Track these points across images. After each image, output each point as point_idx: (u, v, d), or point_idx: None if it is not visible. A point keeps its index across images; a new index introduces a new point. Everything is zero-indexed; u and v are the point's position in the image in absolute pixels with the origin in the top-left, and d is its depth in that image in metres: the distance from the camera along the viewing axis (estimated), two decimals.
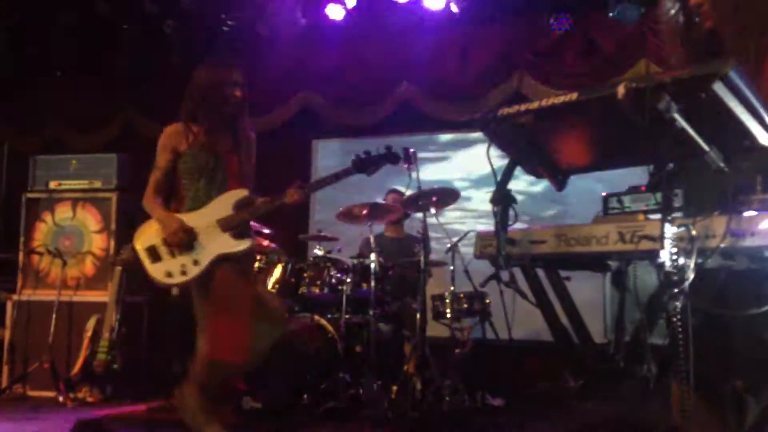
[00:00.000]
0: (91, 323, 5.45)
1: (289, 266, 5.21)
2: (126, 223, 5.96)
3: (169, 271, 3.46)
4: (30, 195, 6.07)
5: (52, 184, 6.07)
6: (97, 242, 5.92)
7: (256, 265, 5.24)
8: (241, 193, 3.50)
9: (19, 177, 6.43)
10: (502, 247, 2.13)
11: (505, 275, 2.18)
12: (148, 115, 7.11)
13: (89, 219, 5.95)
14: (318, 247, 5.43)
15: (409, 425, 4.36)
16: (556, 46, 5.95)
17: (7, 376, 5.60)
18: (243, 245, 3.46)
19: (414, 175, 4.98)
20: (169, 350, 5.89)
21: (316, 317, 5.06)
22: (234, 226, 3.45)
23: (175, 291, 4.83)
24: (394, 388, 4.74)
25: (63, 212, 6.00)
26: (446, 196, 5.22)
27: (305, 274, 5.20)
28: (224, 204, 3.47)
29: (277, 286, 5.13)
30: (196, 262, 3.43)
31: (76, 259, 5.89)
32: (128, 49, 6.91)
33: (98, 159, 6.14)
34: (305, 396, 4.64)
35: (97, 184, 6.04)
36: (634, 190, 2.57)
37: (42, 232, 5.98)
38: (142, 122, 7.12)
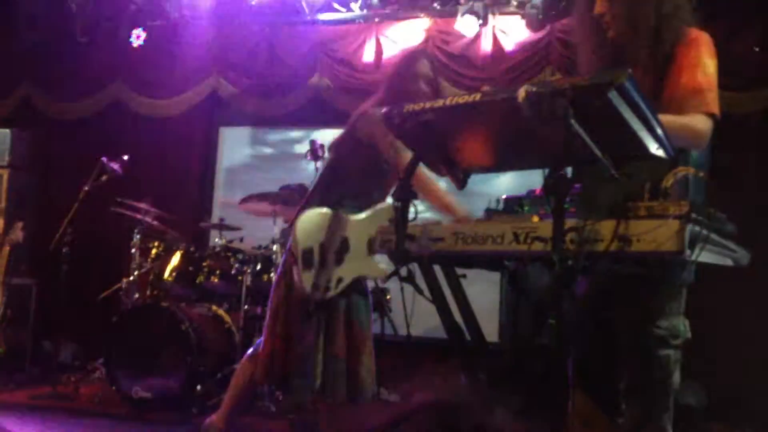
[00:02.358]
0: None
1: (189, 254, 5.10)
2: (17, 201, 5.70)
3: (316, 282, 3.07)
4: None
5: None
6: None
7: (153, 251, 5.13)
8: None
9: None
10: (401, 243, 2.13)
11: (402, 270, 2.19)
12: (48, 91, 6.83)
13: None
14: (220, 236, 5.34)
15: (303, 419, 4.33)
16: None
17: None
18: (381, 272, 3.17)
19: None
20: (57, 335, 5.68)
21: (214, 308, 4.98)
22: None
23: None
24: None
25: None
26: None
27: (204, 264, 5.10)
28: (380, 219, 3.07)
29: (174, 273, 5.02)
30: (339, 281, 3.12)
31: None
32: (29, 23, 6.62)
33: None
34: (198, 387, 4.55)
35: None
36: (533, 193, 2.64)
37: None
38: (40, 98, 6.82)
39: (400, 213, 2.17)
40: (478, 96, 2.07)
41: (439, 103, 2.16)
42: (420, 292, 2.18)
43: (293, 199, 5.33)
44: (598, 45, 2.46)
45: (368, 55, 6.25)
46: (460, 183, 2.36)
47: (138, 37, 6.48)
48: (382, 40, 6.21)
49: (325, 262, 3.08)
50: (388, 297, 5.06)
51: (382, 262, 3.05)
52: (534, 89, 1.90)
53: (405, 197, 2.19)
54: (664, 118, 1.95)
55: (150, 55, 6.69)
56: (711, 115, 2.24)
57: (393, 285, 4.99)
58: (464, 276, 2.28)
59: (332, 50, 6.39)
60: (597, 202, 2.23)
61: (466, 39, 5.96)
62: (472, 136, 2.29)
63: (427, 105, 2.19)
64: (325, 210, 3.18)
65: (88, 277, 6.13)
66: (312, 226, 3.14)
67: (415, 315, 5.30)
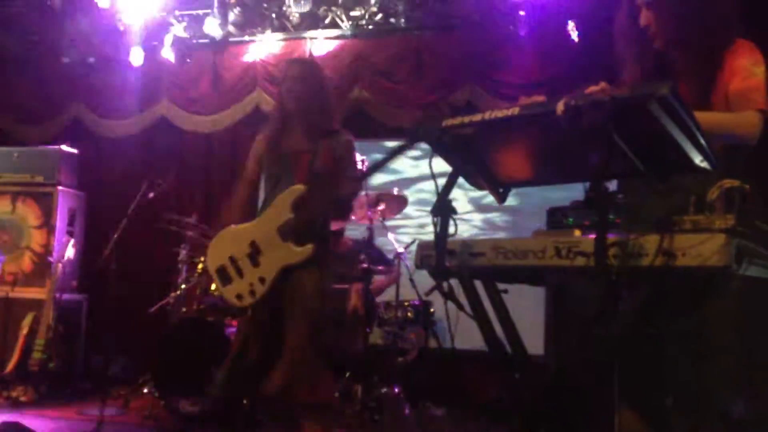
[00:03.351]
0: (27, 321, 5.32)
1: None
2: (67, 218, 5.83)
3: (239, 293, 3.26)
4: None
5: None
6: (37, 238, 5.77)
7: (199, 266, 5.19)
8: (296, 190, 3.22)
9: None
10: (441, 259, 2.12)
11: (443, 286, 2.18)
12: (96, 110, 6.98)
13: (29, 214, 5.80)
14: None
15: None
16: None
17: None
18: (304, 253, 3.18)
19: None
20: (107, 350, 5.78)
21: None
22: (293, 231, 3.19)
23: None
24: (336, 395, 4.72)
25: (2, 206, 5.84)
26: (394, 203, 5.22)
27: None
28: (283, 206, 3.22)
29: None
30: (262, 280, 3.23)
31: (14, 254, 5.72)
32: (78, 43, 6.80)
33: (41, 152, 5.99)
34: (245, 402, 4.58)
35: (39, 179, 5.89)
36: (578, 204, 2.60)
37: None
38: (89, 116, 6.99)
39: (440, 229, 2.16)
40: (516, 109, 2.05)
41: (478, 117, 2.15)
42: (460, 307, 2.17)
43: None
44: (641, 56, 2.43)
45: (407, 67, 6.26)
46: (500, 197, 2.35)
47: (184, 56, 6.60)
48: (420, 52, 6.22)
49: (240, 271, 3.26)
50: (432, 310, 5.03)
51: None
52: (573, 102, 1.88)
53: (444, 213, 2.18)
54: (713, 116, 1.92)
55: (194, 73, 6.81)
56: (761, 111, 2.23)
57: (436, 298, 4.98)
58: (506, 291, 2.25)
59: (372, 63, 6.40)
60: (641, 215, 2.20)
61: None
62: (511, 150, 2.27)
63: (466, 119, 2.18)
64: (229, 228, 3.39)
65: (137, 292, 6.23)
66: (217, 246, 3.38)
67: (461, 327, 5.28)
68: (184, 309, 5.25)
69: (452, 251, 2.17)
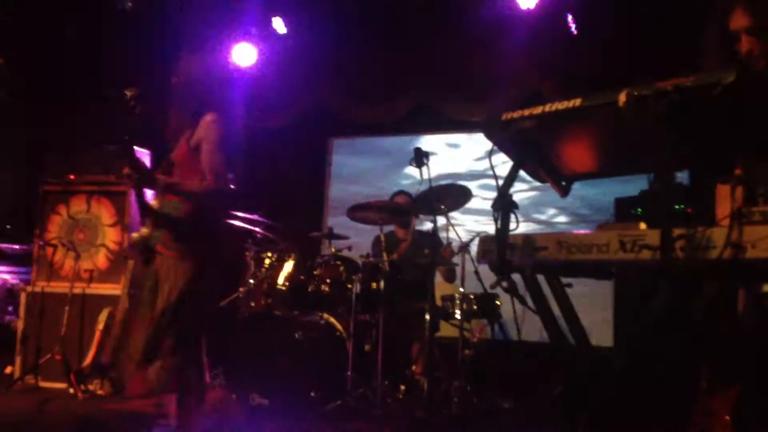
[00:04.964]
0: (102, 316, 5.49)
1: (301, 263, 5.22)
2: (139, 216, 5.99)
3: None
4: (46, 187, 6.11)
5: (68, 177, 6.10)
6: (111, 235, 5.95)
7: (267, 261, 5.28)
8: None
9: (35, 170, 6.48)
10: (503, 254, 2.11)
11: (504, 280, 2.16)
12: None
13: (103, 212, 5.98)
14: (329, 245, 5.44)
15: (416, 426, 4.35)
16: None
17: (20, 367, 5.64)
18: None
19: (425, 175, 4.96)
20: None
21: (325, 315, 5.07)
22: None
23: None
24: (402, 387, 4.75)
25: (78, 205, 6.03)
26: (458, 196, 5.20)
27: (315, 272, 5.20)
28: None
29: (287, 282, 5.15)
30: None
31: (90, 252, 5.92)
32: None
33: (114, 152, 6.16)
34: (313, 394, 4.65)
35: (112, 178, 6.07)
36: (645, 193, 2.55)
37: (57, 224, 6.01)
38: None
39: (501, 223, 2.15)
40: (577, 101, 2.02)
41: (538, 109, 2.13)
42: (523, 302, 2.15)
43: (397, 208, 5.39)
44: (727, 58, 2.38)
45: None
46: (563, 190, 2.32)
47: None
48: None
49: None
50: (498, 303, 5.00)
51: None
52: (636, 92, 1.84)
53: (505, 207, 2.17)
54: None
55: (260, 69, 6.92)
56: None
57: (502, 291, 4.95)
58: (570, 285, 2.22)
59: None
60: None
61: None
62: (572, 142, 2.24)
63: (526, 112, 2.16)
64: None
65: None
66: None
67: (527, 319, 5.24)
68: (252, 303, 5.35)
69: (514, 245, 2.16)
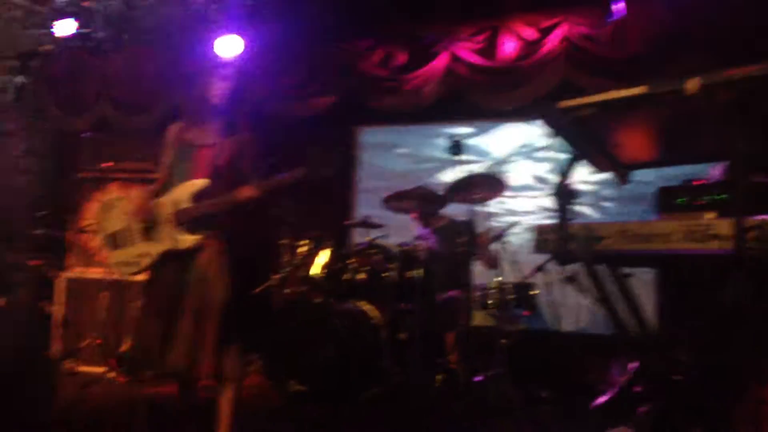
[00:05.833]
0: (139, 303, 5.53)
1: (336, 251, 5.23)
2: None
3: (125, 261, 3.41)
4: (81, 175, 6.17)
5: (102, 165, 6.16)
6: None
7: (302, 249, 5.29)
8: (199, 184, 3.32)
9: (70, 157, 6.54)
10: (564, 243, 2.09)
11: (565, 271, 2.15)
12: None
13: None
14: (364, 234, 5.45)
15: (453, 415, 4.36)
16: None
17: (60, 351, 5.71)
18: (191, 241, 3.28)
19: (460, 164, 4.95)
20: None
21: (361, 303, 5.08)
22: (187, 220, 3.29)
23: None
24: (439, 377, 4.75)
25: (113, 192, 6.09)
26: (493, 185, 5.18)
27: (351, 261, 5.21)
28: (182, 195, 3.33)
29: (322, 270, 5.16)
30: (147, 255, 3.35)
31: None
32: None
33: (147, 139, 6.20)
34: (349, 381, 4.67)
35: (145, 165, 6.11)
36: (688, 183, 2.51)
37: (92, 211, 6.07)
38: None
39: (561, 212, 2.13)
40: (642, 89, 2.00)
41: (599, 97, 2.10)
42: (584, 292, 2.13)
43: (432, 197, 5.38)
44: None
45: (505, 49, 6.15)
46: (623, 179, 2.30)
47: None
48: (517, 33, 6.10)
49: (132, 241, 3.40)
50: (534, 292, 4.98)
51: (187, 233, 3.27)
52: (705, 80, 1.81)
53: (564, 196, 2.15)
54: None
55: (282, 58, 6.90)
56: None
57: (539, 279, 4.93)
58: (630, 275, 2.20)
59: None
60: None
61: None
62: (634, 130, 2.22)
63: (586, 99, 2.13)
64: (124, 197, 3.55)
65: (241, 274, 6.39)
66: (116, 213, 3.50)
67: (564, 309, 5.24)
68: (287, 290, 5.37)
69: (574, 235, 2.14)
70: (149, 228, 3.37)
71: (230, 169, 3.36)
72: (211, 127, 3.42)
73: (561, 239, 2.12)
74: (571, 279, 2.14)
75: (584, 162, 2.31)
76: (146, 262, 3.35)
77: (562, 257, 2.13)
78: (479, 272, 5.24)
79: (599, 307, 2.18)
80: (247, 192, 3.25)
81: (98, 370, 5.43)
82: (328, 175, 3.34)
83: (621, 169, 2.26)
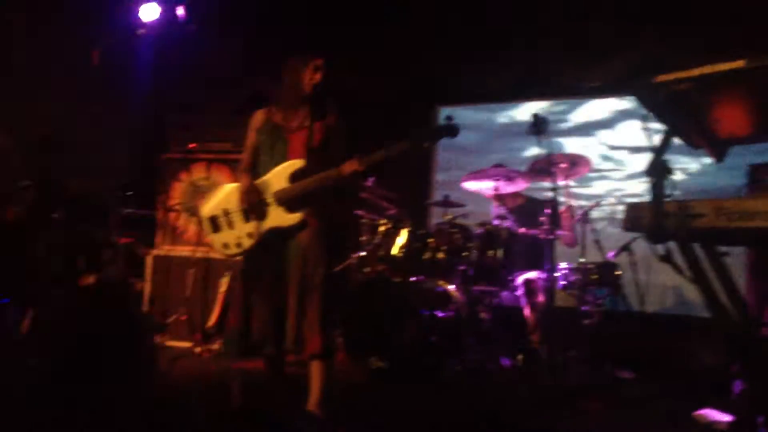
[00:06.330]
0: (224, 279, 5.69)
1: (415, 231, 5.25)
2: None
3: (226, 242, 3.56)
4: (168, 155, 6.35)
5: (188, 146, 6.32)
6: None
7: (381, 228, 5.33)
8: (297, 164, 3.45)
9: (157, 138, 6.74)
10: (659, 221, 2.05)
11: (659, 249, 2.10)
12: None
13: (222, 179, 6.17)
14: (443, 213, 5.45)
15: (535, 393, 4.34)
16: None
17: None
18: (294, 219, 3.41)
19: (544, 141, 4.87)
20: None
21: (441, 283, 5.09)
22: (287, 199, 3.43)
23: None
24: (520, 357, 4.74)
25: (198, 172, 6.25)
26: (576, 163, 5.10)
27: (430, 240, 5.22)
28: (280, 176, 3.46)
29: (402, 249, 5.19)
30: (250, 235, 3.49)
31: None
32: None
33: (230, 121, 6.33)
34: (430, 359, 4.70)
35: (228, 146, 6.25)
36: None
37: (179, 191, 6.26)
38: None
39: (656, 190, 2.09)
40: (742, 62, 1.93)
41: (696, 71, 2.04)
42: (680, 271, 2.09)
43: (512, 176, 5.33)
44: None
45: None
46: (719, 155, 2.23)
47: None
48: None
49: (231, 223, 3.55)
50: (618, 273, 4.90)
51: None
52: None
53: (659, 173, 2.10)
54: None
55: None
56: None
57: (623, 260, 4.84)
58: (726, 254, 2.14)
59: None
60: None
61: None
62: (732, 105, 2.15)
63: (682, 74, 2.08)
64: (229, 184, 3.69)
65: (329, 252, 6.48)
66: (214, 198, 3.67)
67: (649, 290, 5.12)
68: (366, 269, 5.42)
69: (668, 213, 2.09)
70: (249, 209, 3.50)
71: (323, 150, 3.46)
72: (300, 112, 3.54)
73: (656, 217, 2.08)
74: (666, 258, 2.08)
75: (678, 138, 2.25)
76: (248, 242, 3.49)
77: (656, 236, 2.08)
78: (561, 252, 5.17)
79: (693, 287, 2.13)
80: (350, 167, 3.32)
81: (185, 344, 5.62)
82: (430, 147, 3.39)
83: (717, 145, 2.19)
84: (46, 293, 5.51)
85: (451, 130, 3.37)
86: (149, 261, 6.07)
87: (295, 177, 3.43)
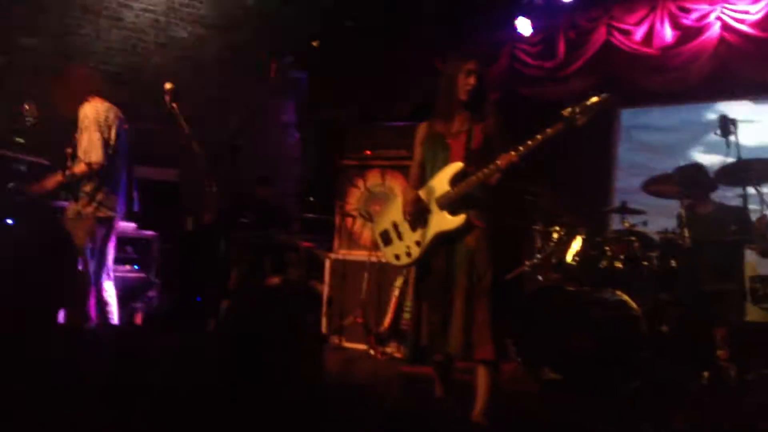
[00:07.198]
0: (398, 283, 5.79)
1: (591, 238, 5.08)
2: None
3: (397, 254, 3.66)
4: (345, 162, 6.57)
5: (364, 153, 6.51)
6: None
7: (554, 235, 5.20)
8: (455, 167, 3.46)
9: (336, 146, 7.00)
10: None
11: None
12: None
13: (396, 186, 6.30)
14: (622, 220, 5.24)
15: (724, 413, 4.06)
16: None
17: (326, 327, 6.17)
18: (457, 222, 3.42)
19: (731, 143, 4.56)
20: None
21: (618, 293, 4.88)
22: (449, 203, 3.45)
23: None
24: (705, 374, 4.45)
25: (373, 178, 6.42)
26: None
27: (607, 248, 5.03)
28: (441, 181, 3.49)
29: (576, 257, 5.04)
30: (418, 243, 3.54)
31: None
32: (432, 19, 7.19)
33: (403, 128, 6.45)
34: (606, 372, 4.52)
35: (403, 153, 6.36)
36: None
37: (355, 196, 6.45)
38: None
39: None
40: None
41: None
42: None
43: (697, 180, 5.01)
44: None
45: None
46: None
47: None
48: None
49: (400, 234, 3.65)
50: None
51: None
52: None
53: None
54: None
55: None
56: None
57: None
58: None
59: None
60: None
61: None
62: None
63: None
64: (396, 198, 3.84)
65: (498, 258, 6.43)
66: (384, 213, 3.82)
67: None
68: (540, 277, 5.32)
69: None
70: (413, 219, 3.58)
71: (484, 152, 3.46)
72: (459, 117, 3.57)
73: None
74: None
75: None
76: (417, 251, 3.57)
77: None
78: (755, 263, 4.79)
79: None
80: (507, 159, 3.31)
81: (361, 346, 5.78)
82: (587, 122, 3.27)
83: None
84: (235, 293, 5.90)
85: (605, 101, 3.24)
86: (327, 264, 6.31)
87: (455, 180, 3.46)
